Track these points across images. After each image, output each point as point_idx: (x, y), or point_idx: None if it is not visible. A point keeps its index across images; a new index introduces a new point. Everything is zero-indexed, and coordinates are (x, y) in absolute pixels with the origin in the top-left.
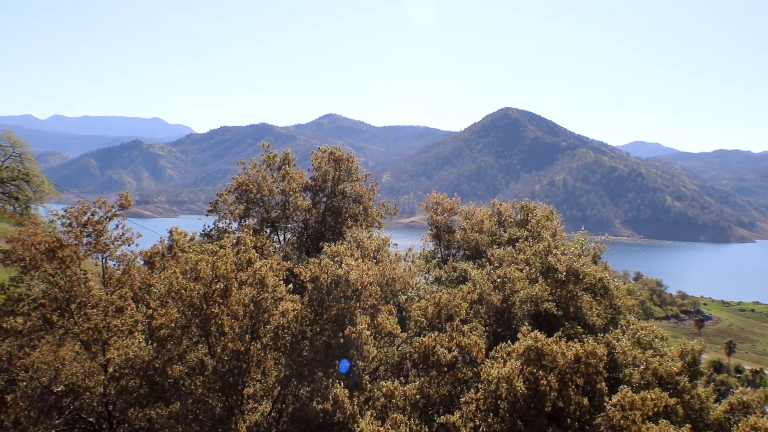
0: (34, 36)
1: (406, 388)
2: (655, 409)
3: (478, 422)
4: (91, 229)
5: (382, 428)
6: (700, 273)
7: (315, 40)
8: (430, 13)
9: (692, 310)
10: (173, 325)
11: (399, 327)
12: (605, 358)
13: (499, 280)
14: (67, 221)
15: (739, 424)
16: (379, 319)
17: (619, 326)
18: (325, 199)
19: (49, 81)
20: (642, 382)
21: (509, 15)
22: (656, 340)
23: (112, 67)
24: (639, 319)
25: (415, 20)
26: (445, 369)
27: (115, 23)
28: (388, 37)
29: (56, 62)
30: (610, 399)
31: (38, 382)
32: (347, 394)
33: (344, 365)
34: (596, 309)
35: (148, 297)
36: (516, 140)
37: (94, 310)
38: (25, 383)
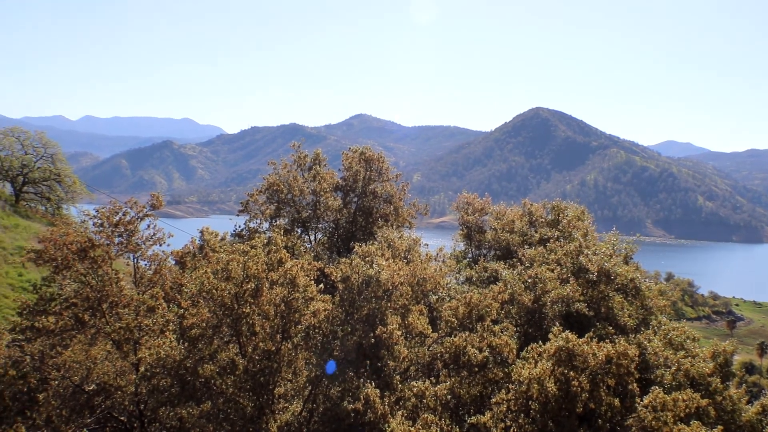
0: (65, 37)
1: (437, 389)
2: (687, 410)
3: (509, 423)
4: (122, 229)
5: (413, 428)
6: (732, 273)
7: (345, 40)
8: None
9: (724, 310)
10: (204, 324)
11: (430, 327)
12: (637, 359)
13: (530, 281)
14: (99, 221)
15: None
16: (409, 319)
17: (651, 327)
18: (356, 199)
19: (80, 82)
20: (673, 383)
21: (540, 15)
22: (688, 341)
23: (143, 68)
24: (670, 320)
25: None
26: (476, 369)
27: (146, 23)
28: (420, 38)
29: (87, 63)
30: (642, 400)
31: (70, 381)
32: (378, 394)
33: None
34: (628, 309)
35: (179, 297)
36: (547, 140)
37: (126, 309)
38: (57, 382)
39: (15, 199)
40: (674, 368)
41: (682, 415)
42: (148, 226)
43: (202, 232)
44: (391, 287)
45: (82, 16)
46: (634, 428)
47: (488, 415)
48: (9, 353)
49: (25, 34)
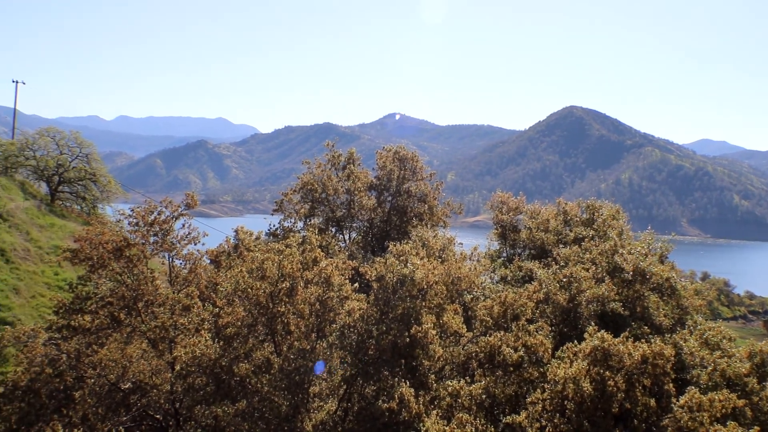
0: (100, 37)
1: (471, 388)
2: (723, 410)
3: (544, 422)
4: (157, 229)
5: (447, 427)
6: None
7: (378, 38)
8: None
9: (760, 310)
10: (240, 323)
11: (464, 326)
12: (672, 358)
13: (565, 280)
14: (134, 220)
15: None
16: (444, 318)
17: (687, 327)
18: (390, 198)
19: (114, 82)
20: (710, 384)
21: (573, 13)
22: (724, 340)
23: (178, 68)
24: (706, 320)
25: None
26: (511, 369)
27: (180, 23)
28: (451, 36)
29: (122, 64)
30: (678, 400)
31: (106, 380)
32: (413, 393)
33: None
34: (663, 309)
35: (214, 296)
36: (581, 139)
37: (161, 308)
38: (93, 380)
39: (51, 198)
40: (710, 368)
41: (718, 415)
42: (183, 226)
43: (236, 231)
44: (425, 286)
45: (116, 16)
46: (670, 428)
47: (523, 414)
48: (45, 351)
49: (60, 34)
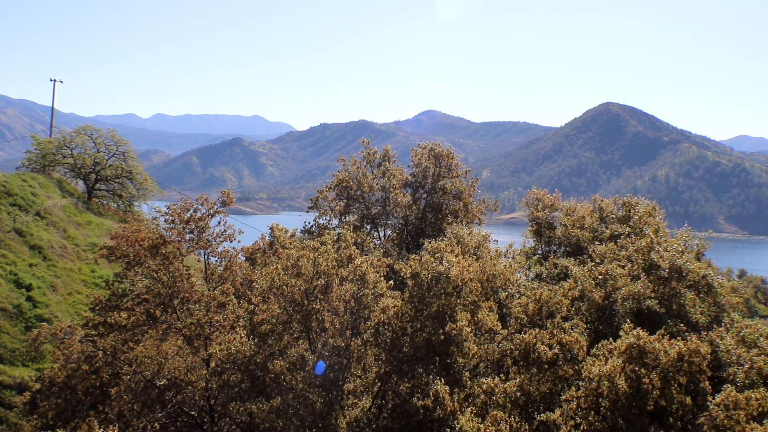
0: (137, 35)
1: (506, 385)
2: (760, 409)
3: (579, 420)
4: (193, 226)
5: (482, 425)
6: None
7: (413, 36)
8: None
9: None
10: (275, 320)
11: (499, 324)
12: (709, 356)
13: (600, 277)
14: (170, 218)
15: None
16: (479, 315)
17: (723, 324)
18: (425, 196)
19: (151, 80)
20: (746, 382)
21: (610, 9)
22: (761, 338)
23: (214, 66)
24: (743, 317)
25: (503, 18)
26: (546, 366)
27: (215, 23)
28: (488, 33)
29: (158, 62)
30: (714, 398)
31: (142, 376)
32: (447, 391)
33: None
34: (700, 307)
35: (249, 293)
36: (617, 135)
37: (197, 305)
38: (128, 377)
39: (88, 196)
40: (747, 366)
41: (755, 413)
42: (219, 223)
43: (272, 228)
44: (460, 284)
45: (154, 15)
46: (705, 426)
47: (558, 412)
48: (82, 348)
49: (97, 33)
